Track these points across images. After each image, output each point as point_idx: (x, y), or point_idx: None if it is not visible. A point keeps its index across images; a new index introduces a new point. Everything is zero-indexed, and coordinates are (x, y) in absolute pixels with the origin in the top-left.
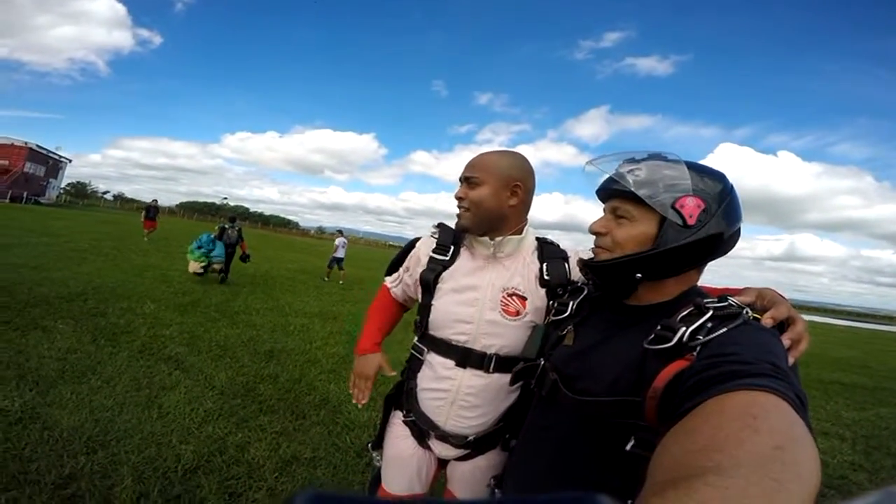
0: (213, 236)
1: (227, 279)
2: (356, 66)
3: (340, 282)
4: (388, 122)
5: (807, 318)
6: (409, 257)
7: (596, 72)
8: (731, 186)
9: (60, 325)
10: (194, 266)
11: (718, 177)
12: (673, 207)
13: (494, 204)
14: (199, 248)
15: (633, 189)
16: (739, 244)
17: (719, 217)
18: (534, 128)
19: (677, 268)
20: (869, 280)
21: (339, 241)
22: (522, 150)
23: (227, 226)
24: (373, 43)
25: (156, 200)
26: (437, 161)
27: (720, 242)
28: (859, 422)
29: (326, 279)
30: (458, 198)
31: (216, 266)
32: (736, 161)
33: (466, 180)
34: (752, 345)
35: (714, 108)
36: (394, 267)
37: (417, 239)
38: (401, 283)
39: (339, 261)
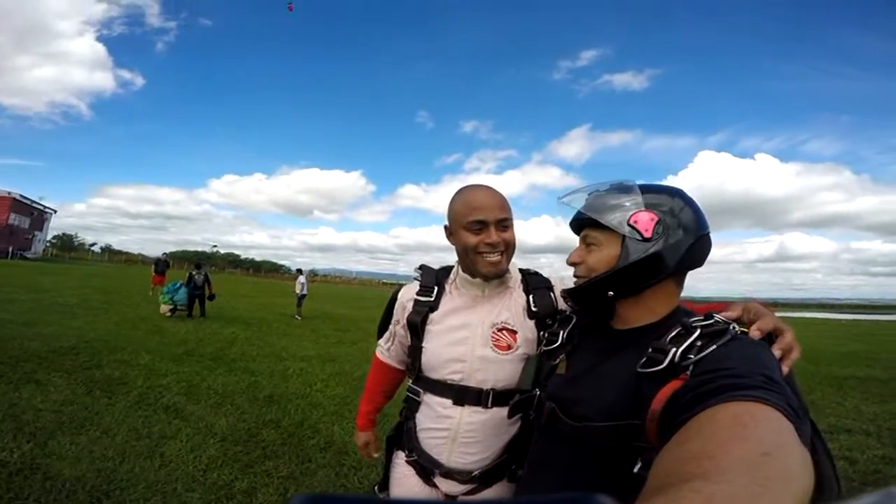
0: (178, 284)
1: (204, 314)
2: (339, 103)
3: (298, 318)
4: (374, 157)
5: (808, 315)
6: (395, 310)
7: (575, 91)
8: (689, 199)
9: (54, 378)
10: (164, 308)
11: (671, 192)
12: (628, 224)
13: (515, 243)
14: (167, 293)
15: (590, 215)
16: (729, 249)
17: (678, 228)
18: (519, 152)
19: (645, 280)
20: (862, 272)
21: (300, 279)
22: (510, 175)
23: (194, 272)
24: (355, 79)
25: (165, 254)
26: (427, 194)
27: (684, 250)
28: (881, 415)
29: (299, 318)
30: (495, 243)
31: (180, 307)
32: (716, 168)
33: (501, 223)
34: (743, 359)
35: (688, 118)
36: (383, 326)
37: (398, 290)
38: (394, 339)
39: (301, 298)
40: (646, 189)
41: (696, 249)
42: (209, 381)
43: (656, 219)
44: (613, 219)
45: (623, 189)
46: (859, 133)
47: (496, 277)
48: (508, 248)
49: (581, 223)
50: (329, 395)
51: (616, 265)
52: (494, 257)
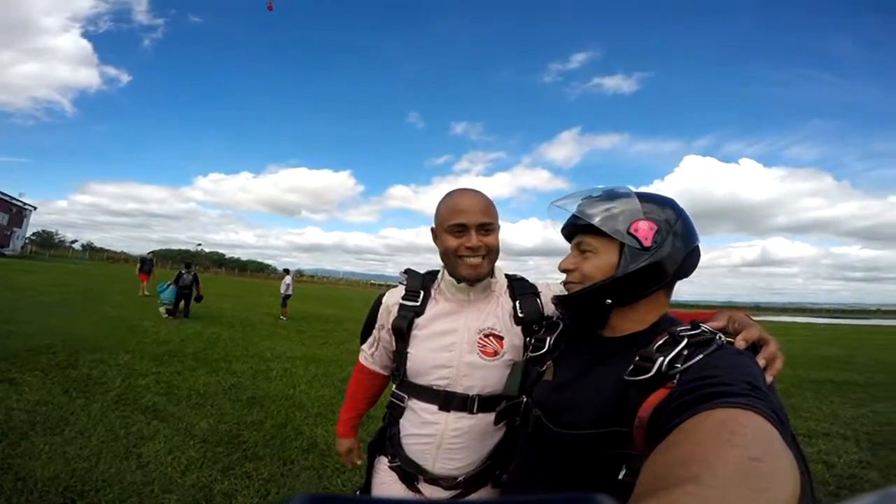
0: (167, 284)
1: (188, 314)
2: (328, 102)
3: (283, 318)
4: (364, 157)
5: (788, 319)
6: (379, 315)
7: (565, 94)
8: (681, 209)
9: (28, 377)
10: (161, 310)
11: (667, 202)
12: (628, 233)
13: (499, 248)
14: (159, 292)
15: (589, 221)
16: (715, 253)
17: (674, 237)
18: (509, 154)
19: (643, 289)
20: (841, 276)
21: (286, 279)
22: (499, 177)
23: (182, 271)
24: (345, 78)
25: (151, 253)
26: (416, 195)
27: (679, 261)
28: (858, 419)
29: (284, 318)
30: (476, 247)
31: (167, 306)
32: (702, 172)
33: (482, 227)
34: (728, 367)
35: (674, 122)
36: (367, 331)
37: (382, 295)
38: (378, 344)
39: (285, 298)
40: (642, 197)
41: (689, 261)
42: (190, 381)
43: (655, 228)
44: (613, 226)
45: (620, 196)
46: (839, 139)
47: (476, 281)
48: (490, 252)
49: (574, 229)
50: (313, 396)
51: (615, 273)
52: (474, 260)
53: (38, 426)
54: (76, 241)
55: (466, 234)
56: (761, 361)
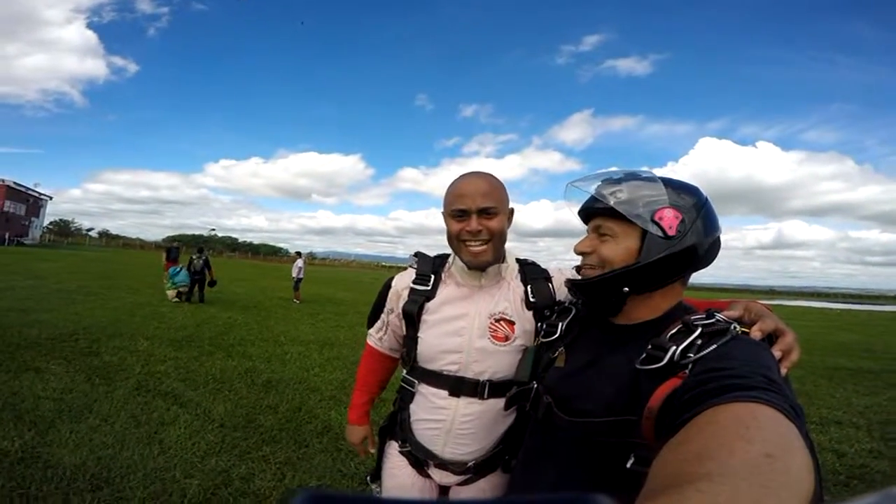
0: (179, 268)
1: (203, 299)
2: (337, 86)
3: (296, 301)
4: (373, 140)
5: (803, 304)
6: (388, 299)
7: (578, 76)
8: (706, 198)
9: (53, 365)
10: (170, 294)
11: (693, 190)
12: (653, 220)
13: (505, 232)
14: (170, 277)
15: (612, 206)
16: (729, 235)
17: (698, 227)
18: (519, 136)
19: (663, 279)
20: (859, 261)
21: (298, 263)
22: (510, 159)
23: (194, 256)
24: (354, 62)
25: (177, 241)
26: (426, 177)
27: (702, 252)
28: (871, 408)
29: (296, 301)
30: (476, 231)
31: (181, 289)
32: (718, 155)
33: (484, 211)
34: (743, 359)
35: (688, 104)
36: (375, 315)
37: (392, 279)
38: (387, 328)
39: (297, 281)
40: (667, 183)
41: (710, 251)
42: (207, 366)
43: (680, 218)
44: (637, 212)
45: (643, 180)
46: (860, 123)
47: (478, 267)
48: (493, 237)
49: (593, 212)
50: (327, 379)
51: (637, 261)
52: (476, 247)
53: (64, 414)
54: (92, 228)
55: (467, 219)
56: (777, 353)
